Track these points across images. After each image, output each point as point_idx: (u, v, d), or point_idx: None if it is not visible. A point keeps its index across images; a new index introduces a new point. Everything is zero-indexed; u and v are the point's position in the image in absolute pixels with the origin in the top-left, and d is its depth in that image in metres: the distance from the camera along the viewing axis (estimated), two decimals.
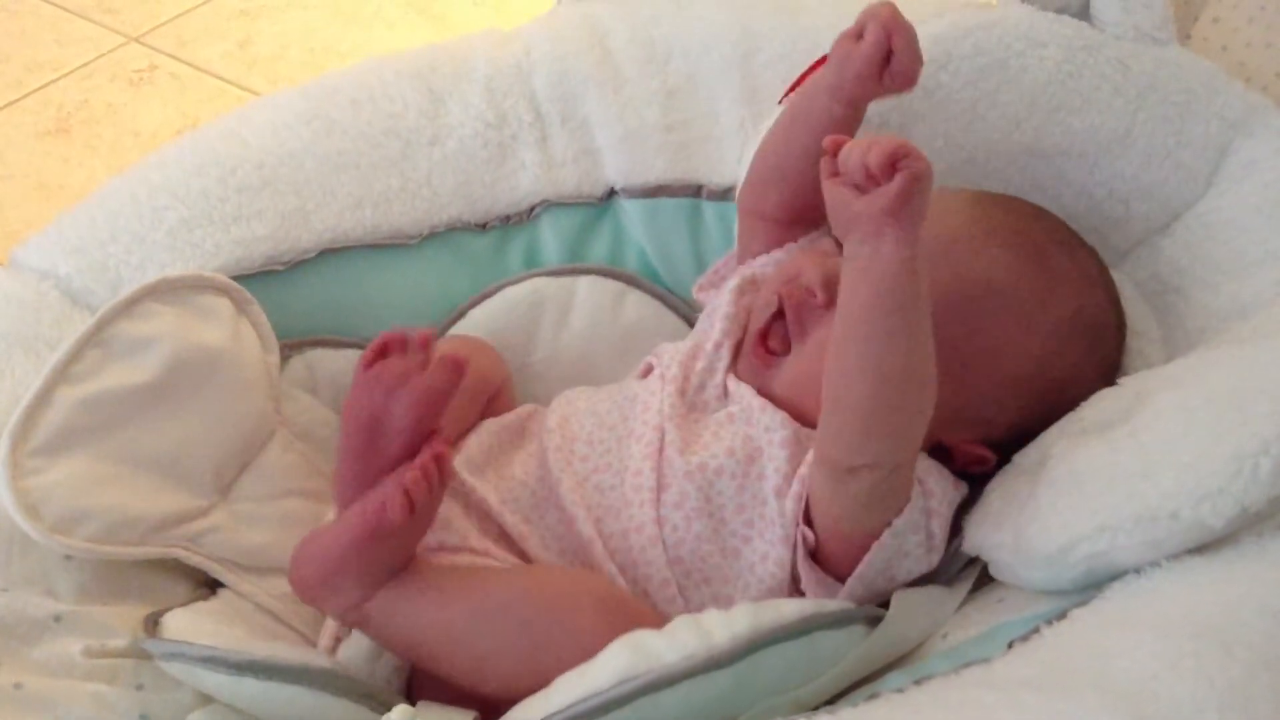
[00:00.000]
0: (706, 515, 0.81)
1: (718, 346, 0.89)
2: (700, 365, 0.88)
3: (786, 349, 0.86)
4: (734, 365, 0.88)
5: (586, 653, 0.70)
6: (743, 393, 0.85)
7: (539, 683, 0.71)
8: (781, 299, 0.85)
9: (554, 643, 0.72)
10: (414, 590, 0.74)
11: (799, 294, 0.85)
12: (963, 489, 0.83)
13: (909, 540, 0.78)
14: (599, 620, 0.72)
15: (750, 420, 0.83)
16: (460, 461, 0.84)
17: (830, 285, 0.81)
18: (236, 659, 0.70)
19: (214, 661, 0.70)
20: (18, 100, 1.60)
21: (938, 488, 0.80)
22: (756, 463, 0.82)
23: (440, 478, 0.73)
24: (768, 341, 0.86)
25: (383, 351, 0.74)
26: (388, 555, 0.74)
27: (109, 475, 0.78)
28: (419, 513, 0.72)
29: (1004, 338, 0.81)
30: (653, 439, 0.83)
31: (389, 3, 1.80)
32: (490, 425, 0.88)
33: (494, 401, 0.92)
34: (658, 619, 0.75)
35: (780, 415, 0.82)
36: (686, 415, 0.85)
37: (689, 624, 0.70)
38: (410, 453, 0.73)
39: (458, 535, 0.81)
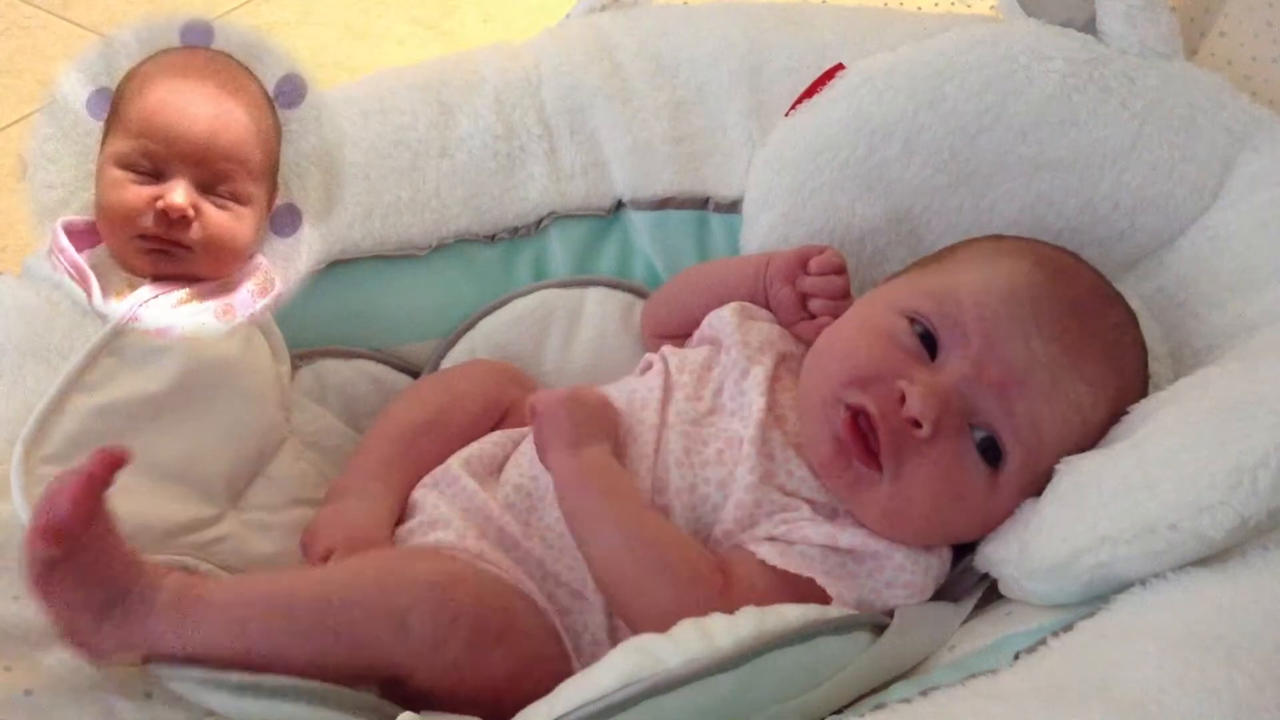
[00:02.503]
0: (692, 533, 0.81)
1: (736, 364, 0.87)
2: (715, 372, 0.87)
3: (879, 464, 0.79)
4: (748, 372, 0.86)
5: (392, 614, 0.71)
6: (750, 410, 0.83)
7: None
8: (873, 417, 0.78)
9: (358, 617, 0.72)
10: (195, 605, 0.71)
11: (898, 420, 0.77)
12: (945, 552, 0.82)
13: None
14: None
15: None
16: (461, 465, 0.85)
17: (941, 418, 0.77)
18: (237, 680, 0.69)
19: (214, 683, 0.70)
20: (30, 115, 1.61)
21: (895, 577, 0.79)
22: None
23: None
24: (865, 456, 0.79)
25: None
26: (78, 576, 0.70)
27: (121, 483, 0.77)
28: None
29: (1075, 447, 0.80)
30: (649, 439, 0.83)
31: (399, 20, 1.81)
32: (496, 436, 0.89)
33: (512, 417, 0.93)
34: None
35: (752, 478, 0.80)
36: (694, 422, 0.84)
37: (693, 627, 0.70)
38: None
39: (455, 534, 0.81)
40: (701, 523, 0.81)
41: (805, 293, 0.91)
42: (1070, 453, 0.78)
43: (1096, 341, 0.81)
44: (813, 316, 0.91)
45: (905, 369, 0.79)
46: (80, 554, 0.69)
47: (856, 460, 0.79)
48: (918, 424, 0.77)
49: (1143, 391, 0.84)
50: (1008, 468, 0.78)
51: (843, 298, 0.90)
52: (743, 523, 0.80)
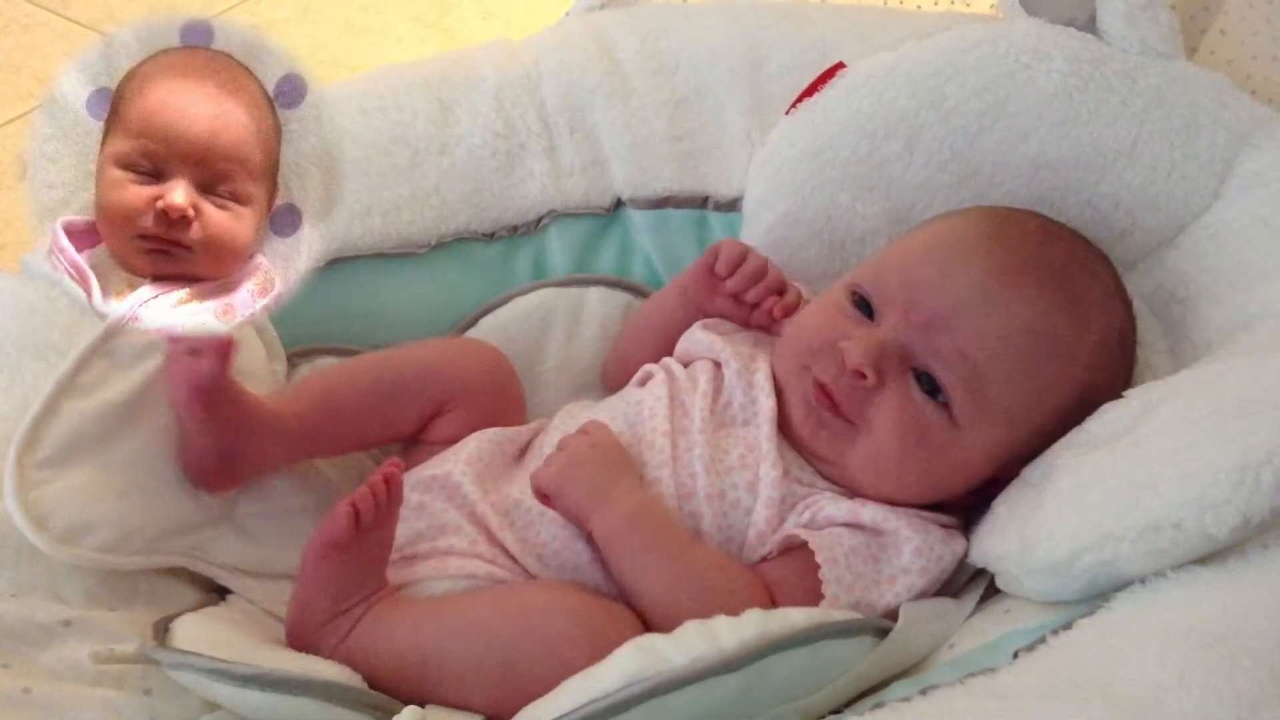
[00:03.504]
0: (726, 539, 0.82)
1: (740, 375, 0.88)
2: (724, 385, 0.88)
3: (849, 421, 0.84)
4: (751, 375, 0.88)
5: (562, 662, 0.72)
6: (763, 411, 0.85)
7: (523, 696, 0.72)
8: (826, 387, 0.83)
9: (526, 655, 0.74)
10: (389, 620, 0.76)
11: (847, 381, 0.82)
12: (958, 545, 0.82)
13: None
14: (573, 629, 0.74)
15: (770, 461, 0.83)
16: (460, 473, 0.84)
17: (879, 363, 0.81)
18: (242, 671, 0.70)
19: (220, 673, 0.70)
20: (28, 112, 1.60)
21: (912, 563, 0.80)
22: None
23: (389, 495, 0.76)
24: (833, 408, 0.84)
25: None
26: (350, 572, 0.76)
27: (115, 486, 0.78)
28: (369, 526, 0.75)
29: (1049, 375, 0.82)
30: (664, 445, 0.84)
31: (398, 17, 1.81)
32: (491, 434, 0.89)
33: (495, 407, 0.92)
34: (635, 623, 0.77)
35: (775, 473, 0.82)
36: (713, 431, 0.85)
37: (698, 628, 0.70)
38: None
39: (467, 540, 0.82)
40: (734, 529, 0.82)
41: (734, 292, 0.93)
42: (1033, 375, 0.81)
43: (1034, 265, 0.84)
44: (755, 306, 0.92)
45: (846, 332, 0.84)
46: (367, 542, 0.76)
47: (827, 414, 0.83)
48: (863, 375, 0.81)
49: (1124, 329, 0.86)
50: (955, 401, 0.81)
51: (765, 275, 0.92)
52: (773, 522, 0.82)
